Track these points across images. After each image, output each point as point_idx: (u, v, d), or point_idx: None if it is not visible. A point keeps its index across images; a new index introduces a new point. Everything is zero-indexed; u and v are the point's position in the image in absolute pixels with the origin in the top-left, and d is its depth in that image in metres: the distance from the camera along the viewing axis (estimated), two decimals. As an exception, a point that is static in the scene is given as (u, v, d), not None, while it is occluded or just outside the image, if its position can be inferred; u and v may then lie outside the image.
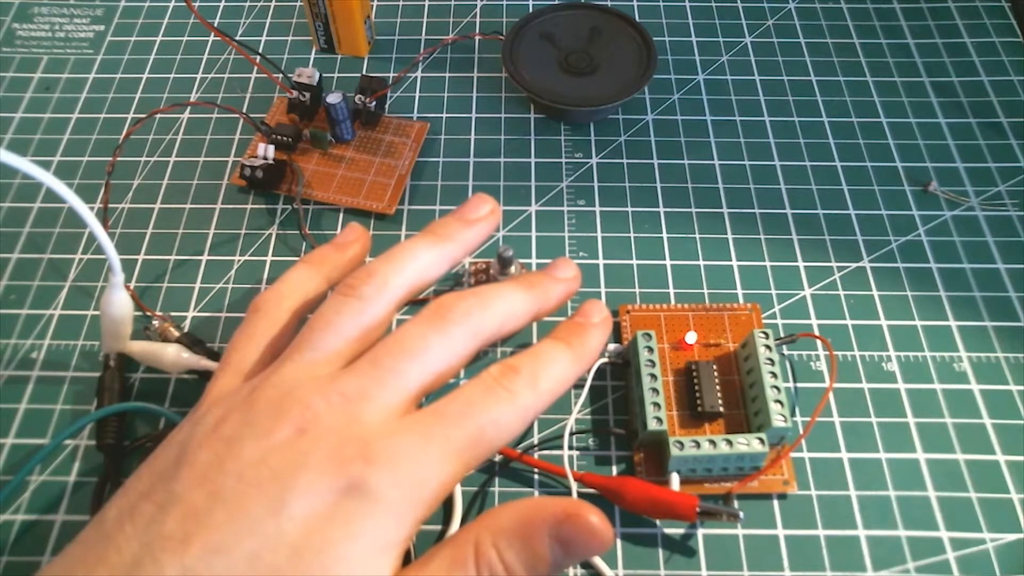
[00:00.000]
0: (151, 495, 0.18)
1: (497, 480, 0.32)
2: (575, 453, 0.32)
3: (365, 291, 0.22)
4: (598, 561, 0.29)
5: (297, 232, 0.39)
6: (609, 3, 0.47)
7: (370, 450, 0.18)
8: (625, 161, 0.42)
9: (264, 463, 0.17)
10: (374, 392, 0.19)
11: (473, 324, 0.22)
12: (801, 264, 0.38)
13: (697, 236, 0.39)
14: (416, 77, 0.46)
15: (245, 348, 0.23)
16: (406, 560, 0.19)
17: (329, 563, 0.16)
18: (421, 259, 0.24)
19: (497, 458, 0.32)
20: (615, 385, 0.34)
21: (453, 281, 0.37)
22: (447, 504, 0.31)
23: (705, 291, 0.37)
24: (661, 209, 0.40)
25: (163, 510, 0.17)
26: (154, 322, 0.34)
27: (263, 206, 0.40)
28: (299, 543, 0.16)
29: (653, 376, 0.31)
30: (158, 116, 0.43)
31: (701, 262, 0.38)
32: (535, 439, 0.33)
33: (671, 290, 0.37)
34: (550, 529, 0.19)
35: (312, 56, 0.47)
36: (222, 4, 0.50)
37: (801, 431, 0.32)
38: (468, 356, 0.22)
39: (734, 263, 0.38)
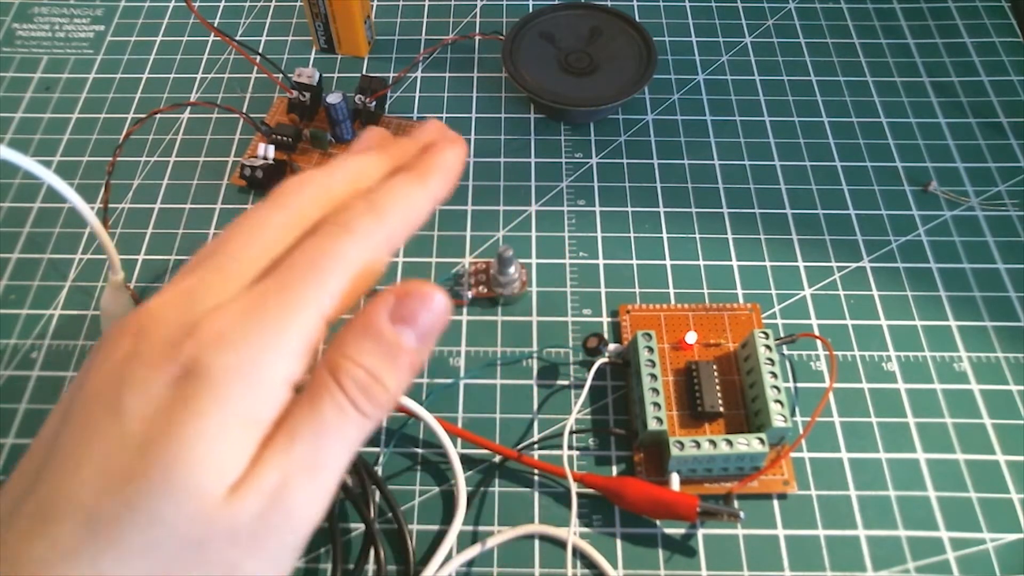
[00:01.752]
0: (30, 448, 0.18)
1: (496, 480, 0.32)
2: (575, 453, 0.32)
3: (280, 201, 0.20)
4: (600, 560, 0.29)
5: (297, 232, 0.39)
6: (609, 3, 0.47)
7: (199, 328, 0.17)
8: (625, 161, 0.42)
9: (102, 373, 0.17)
10: (211, 278, 0.18)
11: (315, 187, 0.20)
12: (801, 264, 0.38)
13: (697, 236, 0.39)
14: (416, 77, 0.46)
15: None
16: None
17: (179, 447, 0.16)
18: (357, 163, 0.22)
19: (496, 459, 0.32)
20: (615, 385, 0.34)
21: (453, 281, 0.37)
22: (448, 504, 0.31)
23: (705, 291, 0.37)
24: (661, 209, 0.40)
25: (27, 454, 0.17)
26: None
27: (263, 206, 0.40)
28: (144, 438, 0.16)
29: (653, 376, 0.31)
30: (158, 116, 0.43)
31: (701, 262, 0.38)
32: (535, 438, 0.33)
33: (671, 290, 0.37)
34: (390, 315, 0.18)
35: (312, 56, 0.47)
36: (222, 4, 0.50)
37: (801, 431, 0.32)
38: (316, 221, 0.20)
39: (734, 263, 0.38)
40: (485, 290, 0.36)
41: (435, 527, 0.31)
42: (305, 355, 0.18)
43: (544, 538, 0.30)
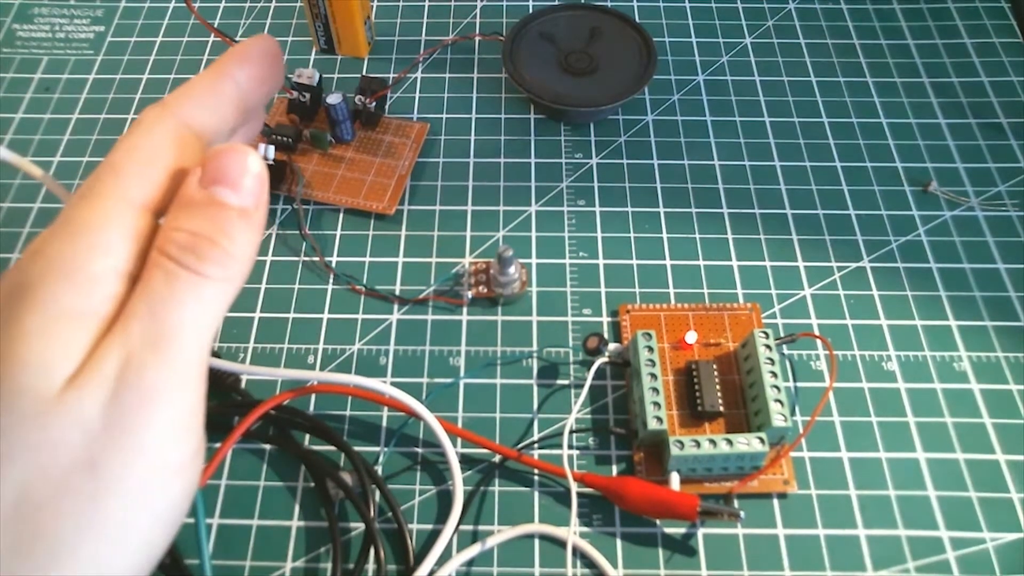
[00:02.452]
0: None
1: (496, 480, 0.32)
2: (575, 452, 0.32)
3: None
4: (599, 560, 0.29)
5: (297, 232, 0.39)
6: (609, 3, 0.47)
7: (24, 255, 0.17)
8: (625, 161, 0.42)
9: None
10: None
11: None
12: (801, 264, 0.38)
13: (697, 236, 0.39)
14: (416, 78, 0.46)
15: None
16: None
17: (4, 348, 0.16)
18: None
19: (496, 458, 0.32)
20: (615, 385, 0.34)
21: (453, 281, 0.37)
22: (448, 504, 0.31)
23: (705, 291, 0.37)
24: (661, 209, 0.40)
25: None
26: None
27: (263, 206, 0.40)
28: None
29: (653, 376, 0.31)
30: (158, 116, 0.43)
31: (701, 262, 0.38)
32: (535, 438, 0.33)
33: (671, 290, 0.37)
34: (199, 182, 0.17)
35: (312, 56, 0.47)
36: (222, 4, 0.50)
37: (801, 431, 0.32)
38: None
39: (734, 263, 0.38)
40: (485, 290, 0.36)
41: (435, 526, 0.31)
42: (131, 245, 0.17)
43: (544, 538, 0.30)
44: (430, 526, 0.31)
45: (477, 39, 0.47)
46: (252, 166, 0.18)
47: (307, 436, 0.33)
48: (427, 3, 0.50)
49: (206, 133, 0.20)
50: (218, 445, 0.30)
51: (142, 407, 0.16)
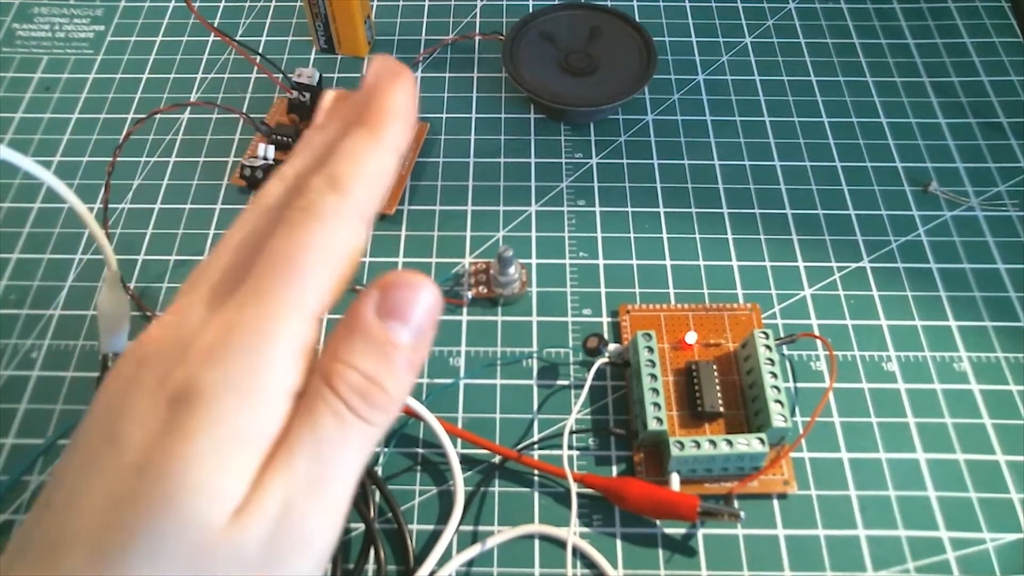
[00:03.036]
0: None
1: (496, 480, 0.32)
2: (575, 453, 0.32)
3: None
4: (600, 560, 0.29)
5: (297, 232, 0.38)
6: (609, 3, 0.47)
7: (190, 349, 0.16)
8: (625, 161, 0.42)
9: (102, 403, 0.16)
10: (194, 295, 0.17)
11: (276, 183, 0.19)
12: (801, 264, 0.38)
13: (697, 236, 0.39)
14: (416, 77, 0.46)
15: None
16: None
17: (176, 473, 0.15)
18: (314, 140, 0.20)
19: (496, 459, 0.32)
20: (615, 385, 0.34)
21: (453, 281, 0.37)
22: (448, 504, 0.31)
23: (705, 291, 0.37)
24: (661, 209, 0.40)
25: (45, 488, 0.16)
26: (154, 322, 0.34)
27: (263, 206, 0.40)
28: (141, 464, 0.15)
29: (653, 376, 0.31)
30: (158, 116, 0.43)
31: (701, 262, 0.38)
32: (535, 439, 0.33)
33: (671, 290, 0.37)
34: (376, 311, 0.17)
35: (312, 56, 0.47)
36: (222, 4, 0.50)
37: (801, 431, 0.32)
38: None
39: (734, 263, 0.38)
40: (485, 290, 0.36)
41: (435, 527, 0.31)
42: (300, 361, 0.17)
43: (544, 538, 0.30)
44: (430, 527, 0.31)
45: (477, 39, 0.47)
46: (427, 298, 0.17)
47: (307, 436, 0.33)
48: (427, 3, 0.50)
49: (369, 217, 0.19)
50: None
51: (295, 550, 0.16)
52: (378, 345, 0.17)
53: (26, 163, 0.26)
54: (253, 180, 0.39)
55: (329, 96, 0.22)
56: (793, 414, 0.33)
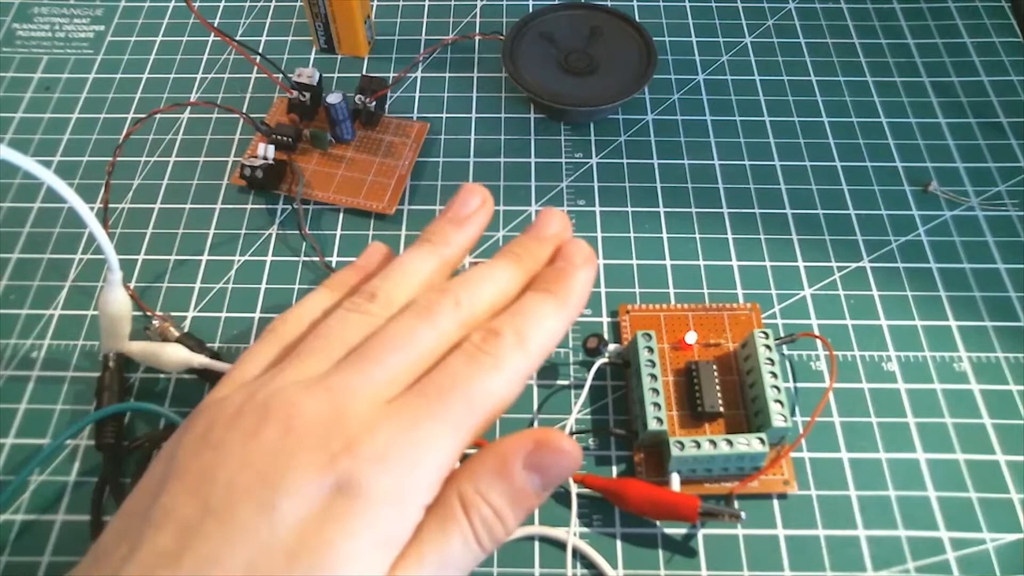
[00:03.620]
0: (144, 513, 0.17)
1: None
2: (575, 453, 0.32)
3: (369, 307, 0.22)
4: (599, 561, 0.29)
5: (297, 232, 0.39)
6: (609, 3, 0.47)
7: (356, 442, 0.17)
8: (625, 161, 0.42)
9: (251, 467, 0.17)
10: (359, 383, 0.19)
11: (463, 310, 0.21)
12: (801, 264, 0.38)
13: (697, 236, 0.39)
14: (416, 77, 0.46)
15: (250, 363, 0.22)
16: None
17: (327, 564, 0.16)
18: (421, 270, 0.23)
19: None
20: (615, 385, 0.34)
21: (453, 281, 0.37)
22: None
23: (705, 291, 0.37)
24: (661, 209, 0.40)
25: (155, 527, 0.17)
26: (154, 322, 0.34)
27: (263, 206, 0.40)
28: (293, 547, 0.16)
29: (653, 376, 0.31)
30: (158, 116, 0.43)
31: (701, 262, 0.38)
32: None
33: (671, 290, 0.37)
34: (524, 461, 0.19)
35: (312, 56, 0.47)
36: (222, 4, 0.50)
37: (801, 431, 0.32)
38: (457, 341, 0.21)
39: (734, 263, 0.38)
40: (485, 290, 0.36)
41: (435, 527, 0.31)
42: (441, 483, 0.18)
43: (544, 539, 0.30)
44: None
45: (477, 38, 0.47)
46: (570, 464, 0.19)
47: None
48: (427, 3, 0.50)
49: (518, 393, 0.21)
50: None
51: None
52: (517, 491, 0.19)
53: (26, 163, 0.26)
54: (253, 180, 0.39)
55: (376, 249, 0.27)
56: (793, 414, 0.33)
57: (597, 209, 0.40)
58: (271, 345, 0.23)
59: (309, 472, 0.17)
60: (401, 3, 0.50)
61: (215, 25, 0.46)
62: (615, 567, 0.30)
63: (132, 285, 0.37)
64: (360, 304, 0.22)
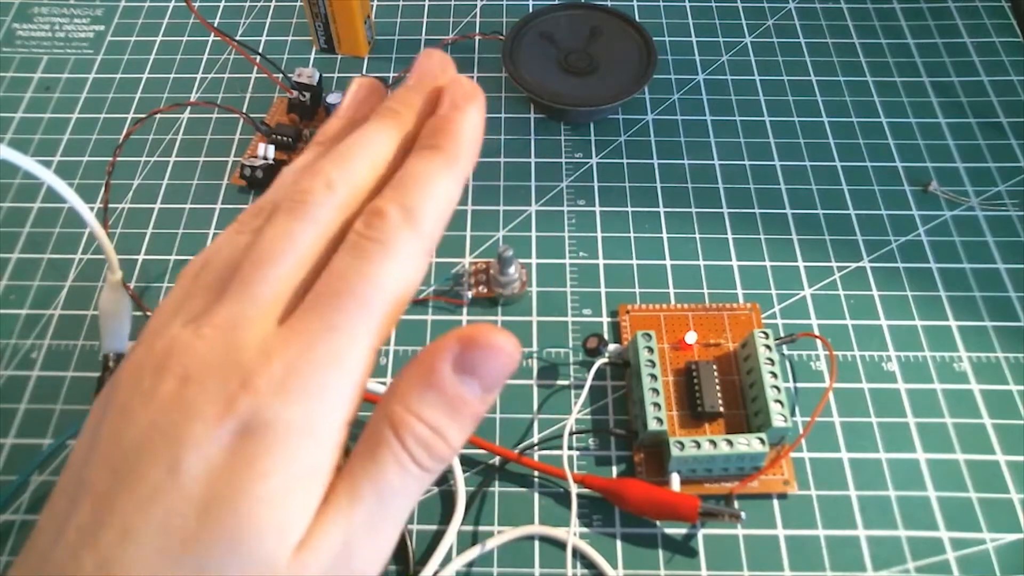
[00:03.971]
0: (66, 488, 0.16)
1: (496, 481, 0.32)
2: (575, 453, 0.32)
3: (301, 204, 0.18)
4: (599, 561, 0.29)
5: (297, 232, 0.38)
6: (609, 3, 0.47)
7: (253, 377, 0.16)
8: (625, 161, 0.42)
9: (155, 426, 0.16)
10: (244, 311, 0.17)
11: (338, 193, 0.18)
12: (801, 264, 0.38)
13: (697, 236, 0.39)
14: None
15: (162, 309, 0.19)
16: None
17: (243, 511, 0.15)
18: (376, 145, 0.19)
19: (495, 460, 0.32)
20: (615, 385, 0.34)
21: (453, 281, 0.37)
22: (448, 505, 0.31)
23: (705, 291, 0.37)
24: (661, 209, 0.40)
25: (75, 501, 0.16)
26: (154, 322, 0.34)
27: (263, 206, 0.40)
28: (206, 499, 0.15)
29: (653, 376, 0.31)
30: (158, 116, 0.43)
31: (701, 262, 0.38)
32: (535, 439, 0.33)
33: (671, 290, 0.37)
34: (453, 365, 0.17)
35: (312, 56, 0.47)
36: (222, 4, 0.50)
37: (801, 431, 0.32)
38: (343, 230, 0.18)
39: (734, 263, 0.38)
40: (485, 290, 0.36)
41: (435, 528, 0.31)
42: (359, 395, 0.17)
43: (544, 539, 0.30)
44: (429, 527, 0.31)
45: (477, 39, 0.47)
46: (507, 359, 0.17)
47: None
48: (427, 3, 0.50)
49: (421, 274, 0.18)
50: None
51: None
52: (450, 399, 0.17)
53: (26, 163, 0.26)
54: (253, 180, 0.39)
55: (360, 85, 0.21)
56: (793, 414, 0.33)
57: (597, 209, 0.40)
58: (185, 280, 0.20)
59: (211, 420, 0.15)
60: (401, 3, 0.50)
61: (215, 25, 0.46)
62: (615, 567, 0.30)
63: (132, 285, 0.37)
64: (292, 199, 0.18)
